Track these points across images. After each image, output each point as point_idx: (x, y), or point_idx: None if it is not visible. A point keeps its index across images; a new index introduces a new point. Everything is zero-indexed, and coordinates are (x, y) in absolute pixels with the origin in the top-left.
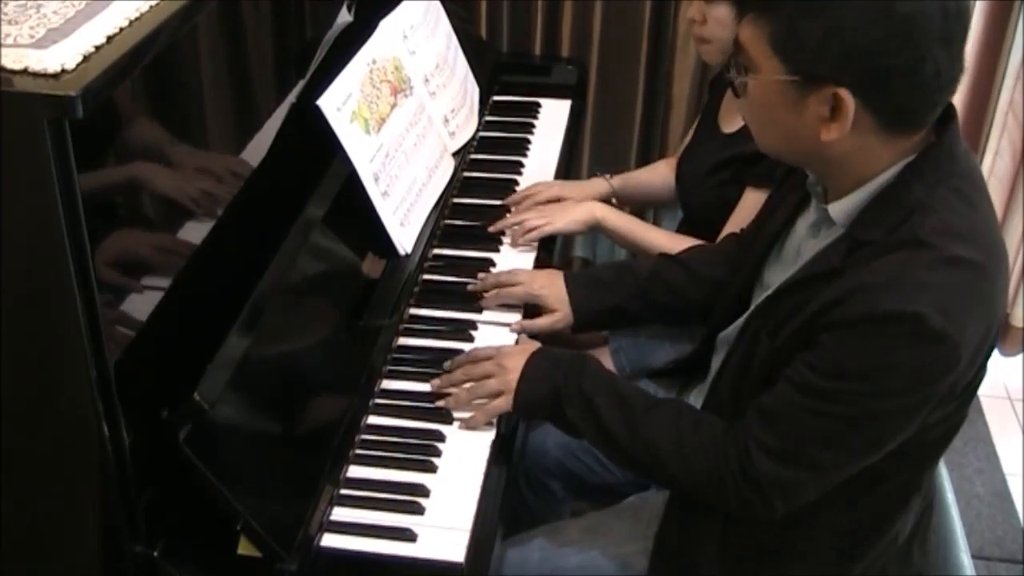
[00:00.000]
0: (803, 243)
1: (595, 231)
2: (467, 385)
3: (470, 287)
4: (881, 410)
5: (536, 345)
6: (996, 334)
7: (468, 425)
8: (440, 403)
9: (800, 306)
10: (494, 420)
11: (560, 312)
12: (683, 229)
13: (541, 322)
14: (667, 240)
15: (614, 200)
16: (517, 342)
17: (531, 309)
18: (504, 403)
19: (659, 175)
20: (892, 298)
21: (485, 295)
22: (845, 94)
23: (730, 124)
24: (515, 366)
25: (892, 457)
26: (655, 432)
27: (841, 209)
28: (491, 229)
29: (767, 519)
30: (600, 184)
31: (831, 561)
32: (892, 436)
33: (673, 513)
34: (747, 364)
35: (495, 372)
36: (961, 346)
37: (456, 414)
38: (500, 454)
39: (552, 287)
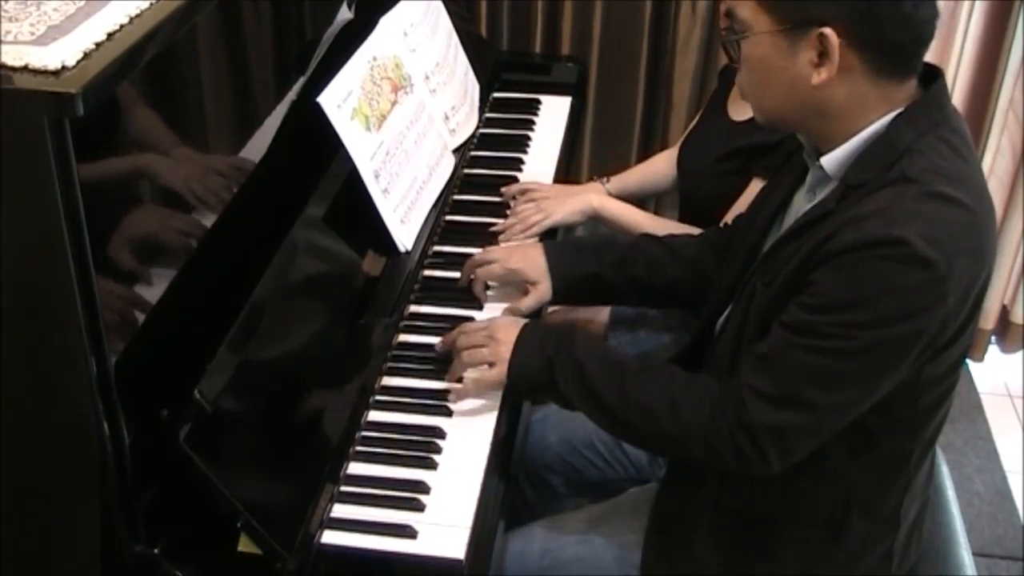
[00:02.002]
0: (800, 210)
1: (595, 222)
2: (467, 345)
3: (459, 283)
4: (873, 342)
5: (526, 320)
6: (984, 288)
7: (459, 394)
8: (447, 378)
9: (796, 252)
10: (493, 421)
11: (542, 284)
12: (682, 217)
13: (527, 301)
14: (666, 228)
15: None
16: None
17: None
18: (498, 374)
19: (656, 172)
20: (879, 224)
21: (472, 282)
22: (830, 33)
23: (740, 112)
24: (508, 339)
25: (883, 419)
26: (647, 392)
27: (834, 159)
28: (495, 229)
29: (764, 472)
30: (596, 189)
31: (822, 532)
32: (884, 374)
33: (668, 485)
34: (744, 318)
35: (488, 343)
36: (948, 279)
37: (455, 407)
38: (500, 451)
39: (528, 259)
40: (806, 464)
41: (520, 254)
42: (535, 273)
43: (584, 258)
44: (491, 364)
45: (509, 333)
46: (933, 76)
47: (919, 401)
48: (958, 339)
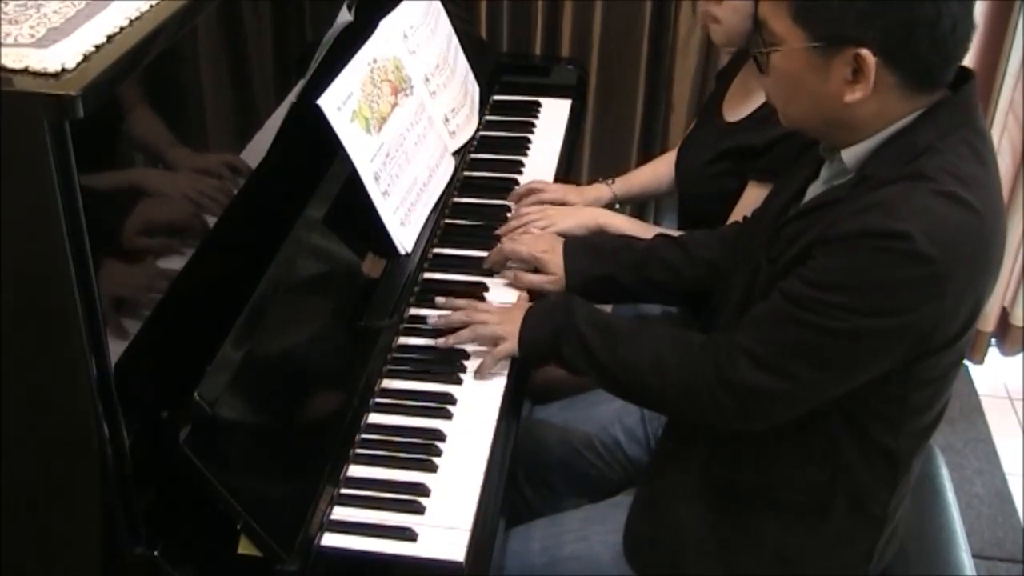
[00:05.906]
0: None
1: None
2: (475, 320)
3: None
4: (860, 328)
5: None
6: (985, 295)
7: (479, 372)
8: (441, 341)
9: (802, 232)
10: (493, 423)
11: (555, 276)
12: (681, 221)
13: (534, 278)
14: None
15: (617, 206)
16: None
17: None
18: (510, 346)
19: (659, 175)
20: (884, 217)
21: (495, 252)
22: (866, 54)
23: (733, 113)
24: (515, 317)
25: (869, 412)
26: (636, 352)
27: (854, 152)
28: (498, 232)
29: (742, 428)
30: (602, 190)
31: (804, 513)
32: (867, 362)
33: (660, 453)
34: (744, 294)
35: (495, 321)
36: (947, 279)
37: (455, 409)
38: (500, 453)
39: (553, 252)
40: (794, 439)
41: (546, 244)
42: (553, 266)
43: (600, 259)
44: (499, 341)
45: (516, 313)
46: (964, 77)
47: (907, 400)
48: (954, 344)
